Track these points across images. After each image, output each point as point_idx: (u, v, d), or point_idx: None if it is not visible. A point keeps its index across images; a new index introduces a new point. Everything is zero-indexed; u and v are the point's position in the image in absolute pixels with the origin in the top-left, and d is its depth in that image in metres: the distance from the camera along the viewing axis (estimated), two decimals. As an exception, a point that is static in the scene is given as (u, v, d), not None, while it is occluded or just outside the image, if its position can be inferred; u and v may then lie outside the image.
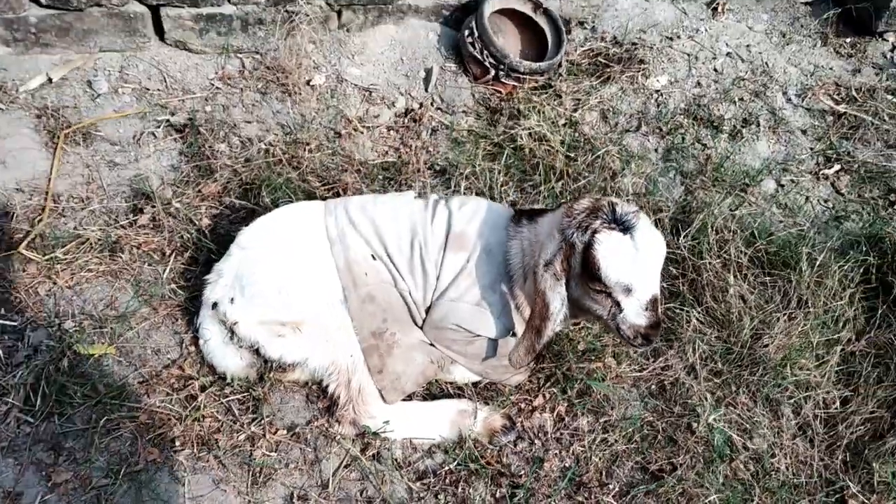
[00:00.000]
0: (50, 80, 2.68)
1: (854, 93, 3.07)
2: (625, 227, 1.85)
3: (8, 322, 2.10)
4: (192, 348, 2.15)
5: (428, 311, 2.10)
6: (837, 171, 2.86)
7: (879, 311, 2.38)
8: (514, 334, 2.10)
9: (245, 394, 2.07)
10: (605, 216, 1.87)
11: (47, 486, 1.87)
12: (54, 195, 2.40)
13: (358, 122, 2.77)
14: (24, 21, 2.65)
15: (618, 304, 1.88)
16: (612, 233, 1.84)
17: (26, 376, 2.01)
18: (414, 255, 2.08)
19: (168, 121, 2.64)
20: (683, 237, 2.46)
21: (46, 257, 2.24)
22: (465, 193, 2.55)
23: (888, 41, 3.32)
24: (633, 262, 1.85)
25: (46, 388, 1.99)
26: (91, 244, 2.30)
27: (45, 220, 2.32)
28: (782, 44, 3.25)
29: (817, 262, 2.41)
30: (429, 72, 2.93)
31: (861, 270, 2.45)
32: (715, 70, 3.09)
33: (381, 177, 2.63)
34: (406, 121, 2.83)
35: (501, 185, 2.58)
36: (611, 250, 1.83)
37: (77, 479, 1.89)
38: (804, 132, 2.97)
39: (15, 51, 2.71)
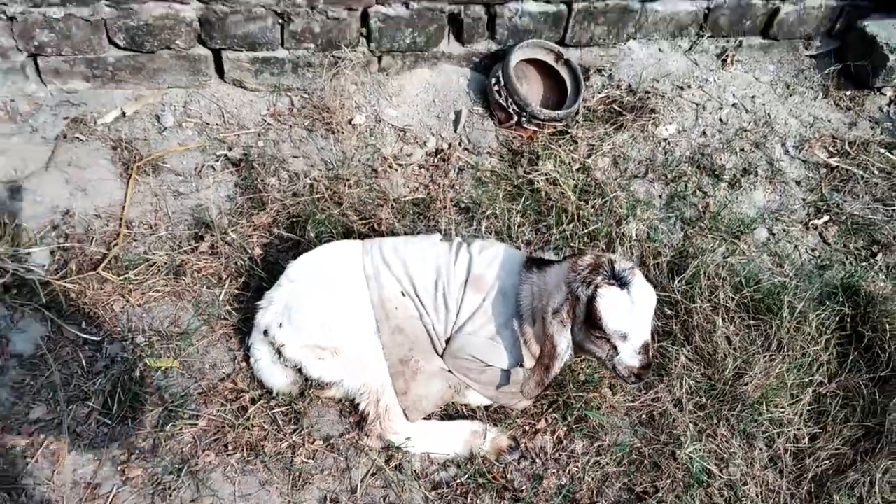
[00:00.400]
0: (124, 113, 2.96)
1: (848, 147, 3.28)
2: (622, 283, 2.11)
3: (90, 336, 2.40)
4: (244, 365, 2.44)
5: (448, 342, 2.38)
6: (826, 222, 3.08)
7: (851, 358, 2.61)
8: (521, 365, 2.36)
9: (288, 407, 2.36)
10: (605, 273, 2.13)
11: (121, 479, 2.17)
12: (127, 222, 2.69)
13: (393, 160, 3.03)
14: (103, 61, 2.94)
15: (615, 348, 2.15)
16: (611, 288, 2.10)
17: (104, 384, 2.32)
18: (438, 294, 2.36)
19: (226, 155, 2.92)
20: (678, 281, 2.71)
21: (121, 278, 2.54)
22: (486, 232, 2.81)
23: (886, 95, 3.51)
24: (629, 314, 2.11)
25: (122, 394, 2.29)
26: (158, 267, 2.60)
27: (119, 245, 2.61)
28: (786, 95, 3.46)
29: (797, 310, 2.64)
30: (458, 114, 3.18)
31: (837, 319, 2.68)
32: (720, 120, 3.30)
33: (411, 212, 2.89)
34: (436, 160, 3.09)
35: (518, 226, 2.84)
36: (610, 304, 2.09)
37: (146, 474, 2.19)
38: (798, 183, 3.18)
39: (94, 86, 3.00)
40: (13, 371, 2.32)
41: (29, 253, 2.52)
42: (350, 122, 3.09)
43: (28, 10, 2.74)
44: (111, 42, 2.90)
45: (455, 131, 3.16)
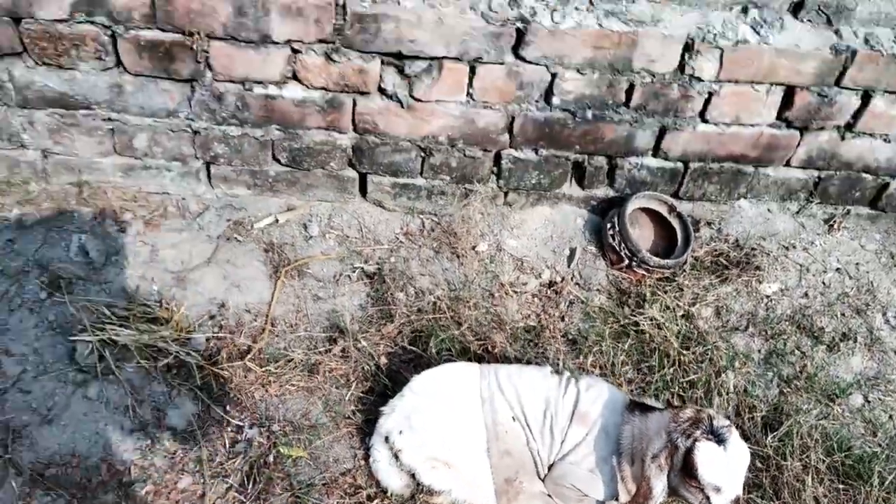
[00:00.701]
0: (276, 220, 3.52)
1: (949, 323, 3.55)
2: (720, 440, 2.44)
3: (234, 420, 2.86)
4: (363, 463, 2.84)
5: (550, 468, 2.73)
6: (923, 396, 3.33)
7: (938, 535, 2.83)
8: (616, 500, 2.69)
9: (399, 508, 2.75)
10: (704, 427, 2.47)
11: (251, 555, 2.59)
12: (272, 319, 3.19)
13: (509, 287, 3.47)
14: (265, 173, 3.53)
15: (707, 498, 2.45)
16: (709, 443, 2.43)
17: (243, 464, 2.76)
18: (545, 423, 2.73)
19: (362, 268, 3.43)
20: (771, 437, 3.00)
21: (263, 369, 3.02)
22: (591, 366, 3.19)
23: None
24: (724, 469, 2.43)
25: (257, 476, 2.72)
26: (295, 363, 3.07)
27: (264, 339, 3.11)
28: (890, 265, 3.76)
29: (888, 481, 2.89)
30: (573, 251, 3.62)
31: (927, 495, 2.91)
32: (823, 283, 3.63)
33: (522, 338, 3.30)
34: (549, 291, 3.51)
35: (622, 364, 3.21)
36: (707, 458, 2.42)
37: (272, 553, 2.60)
38: (897, 354, 3.46)
39: (253, 193, 3.59)
40: (167, 442, 2.79)
41: (189, 338, 3.04)
42: (474, 248, 3.56)
43: (211, 127, 3.36)
44: (274, 158, 3.49)
45: (568, 266, 3.59)
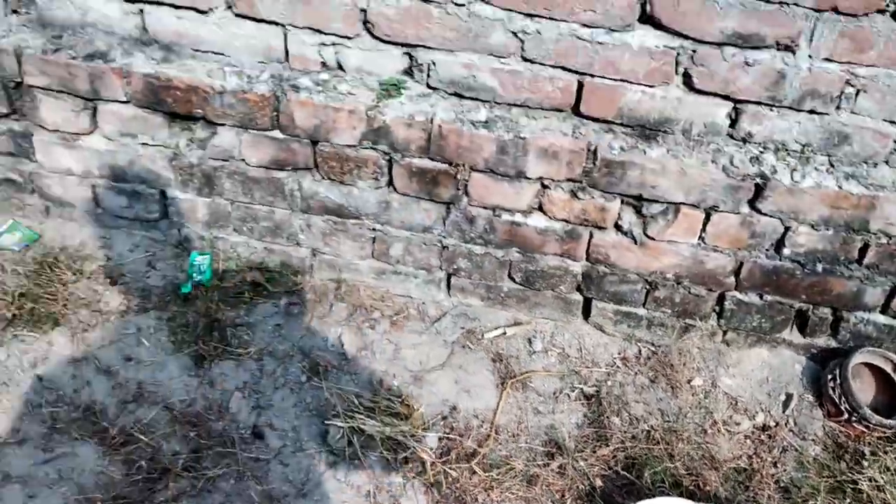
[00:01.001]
0: (505, 333, 3.89)
1: None
2: None
3: (462, 519, 3.19)
4: (575, 580, 3.06)
5: None
6: None
7: None
8: None
9: None
10: None
11: None
12: (497, 427, 3.52)
13: (722, 426, 3.60)
14: (499, 288, 3.92)
15: None
16: None
17: (466, 563, 3.06)
18: (761, 572, 2.84)
19: (581, 388, 3.70)
20: None
21: (486, 474, 3.32)
22: (804, 520, 3.25)
23: None
24: None
25: (478, 576, 3.02)
26: (515, 473, 3.35)
27: (489, 446, 3.43)
28: None
29: None
30: (789, 397, 3.70)
31: None
32: None
33: (733, 479, 3.41)
34: (762, 435, 3.61)
35: (838, 523, 3.24)
36: None
37: None
38: None
39: (485, 305, 3.99)
40: (400, 531, 3.16)
41: (424, 436, 3.42)
42: (689, 381, 3.74)
43: (458, 244, 3.81)
44: (509, 276, 3.88)
45: (783, 412, 3.68)
